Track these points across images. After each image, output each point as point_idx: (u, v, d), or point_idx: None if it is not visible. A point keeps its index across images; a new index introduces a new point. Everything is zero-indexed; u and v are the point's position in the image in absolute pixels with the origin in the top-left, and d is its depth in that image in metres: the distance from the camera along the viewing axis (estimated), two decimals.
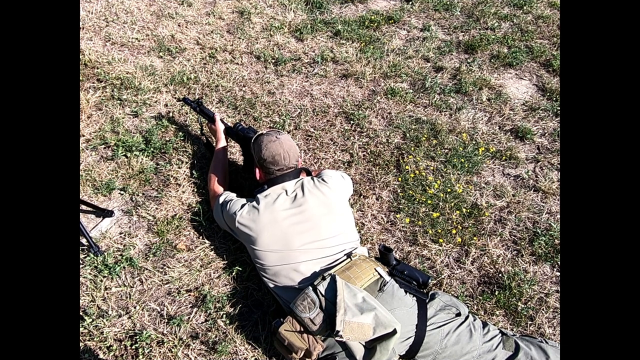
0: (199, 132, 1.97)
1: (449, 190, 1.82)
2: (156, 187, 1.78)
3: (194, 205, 1.72)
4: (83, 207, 1.63)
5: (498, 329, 1.30)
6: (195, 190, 1.78)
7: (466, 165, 1.93)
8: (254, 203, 1.42)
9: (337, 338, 1.07)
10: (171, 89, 2.23)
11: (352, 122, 2.12)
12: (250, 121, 2.10)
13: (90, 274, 1.48)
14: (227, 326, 1.38)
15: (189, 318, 1.40)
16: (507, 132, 2.14)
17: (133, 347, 1.32)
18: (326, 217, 1.38)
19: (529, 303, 1.48)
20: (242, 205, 1.43)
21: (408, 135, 2.06)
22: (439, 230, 1.68)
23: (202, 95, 2.22)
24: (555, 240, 1.66)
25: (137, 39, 2.52)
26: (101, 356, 1.31)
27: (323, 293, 1.13)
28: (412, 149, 1.99)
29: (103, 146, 1.92)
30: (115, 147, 1.88)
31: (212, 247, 1.60)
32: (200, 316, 1.42)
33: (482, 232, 1.69)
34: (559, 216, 1.76)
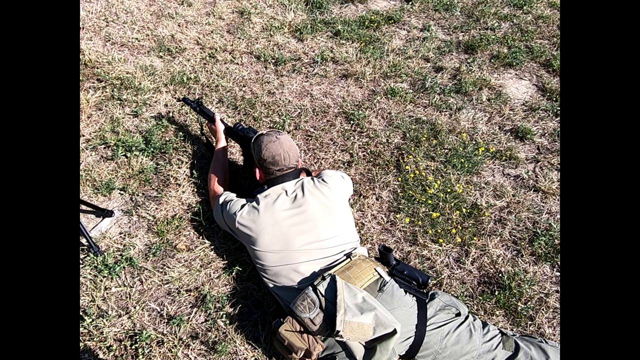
0: (199, 132, 1.97)
1: (449, 190, 1.82)
2: (156, 187, 1.78)
3: (194, 205, 1.72)
4: (83, 207, 1.63)
5: (498, 329, 1.30)
6: (195, 190, 1.78)
7: (466, 165, 1.93)
8: (254, 203, 1.42)
9: (337, 338, 1.07)
10: (171, 89, 2.23)
11: (352, 122, 2.12)
12: (250, 121, 2.10)
13: (90, 274, 1.48)
14: (227, 326, 1.38)
15: (189, 318, 1.40)
16: (507, 132, 2.14)
17: (133, 347, 1.32)
18: (326, 218, 1.38)
19: (529, 303, 1.48)
20: (242, 206, 1.43)
21: (408, 135, 2.06)
22: (439, 230, 1.68)
23: (202, 95, 2.22)
24: (555, 240, 1.66)
25: (137, 39, 2.52)
26: (101, 356, 1.31)
27: (323, 293, 1.13)
28: (412, 149, 1.99)
29: (103, 146, 1.92)
30: (115, 147, 1.88)
31: (212, 247, 1.60)
32: (200, 316, 1.42)
33: (482, 232, 1.69)
34: (559, 216, 1.76)
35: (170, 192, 1.75)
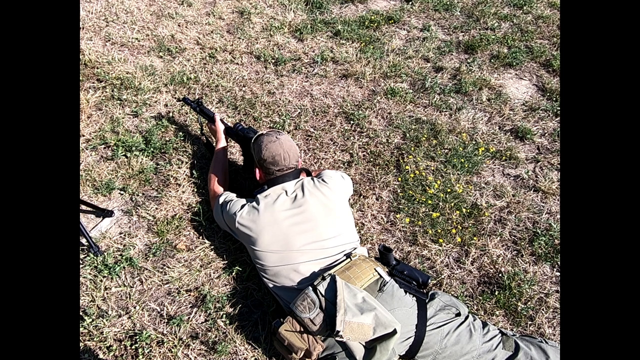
0: (199, 132, 1.97)
1: (449, 190, 1.82)
2: (156, 187, 1.78)
3: (194, 205, 1.72)
4: (83, 207, 1.63)
5: (498, 329, 1.30)
6: (195, 190, 1.78)
7: (466, 165, 1.93)
8: (254, 203, 1.42)
9: (337, 338, 1.07)
10: (171, 89, 2.23)
11: (352, 122, 2.12)
12: (250, 121, 2.10)
13: (90, 274, 1.48)
14: (227, 326, 1.38)
15: (189, 318, 1.40)
16: (507, 132, 2.14)
17: (133, 347, 1.32)
18: (326, 218, 1.38)
19: (529, 303, 1.48)
20: (242, 206, 1.43)
21: (408, 135, 2.06)
22: (439, 230, 1.68)
23: (202, 95, 2.22)
24: (555, 240, 1.66)
25: (137, 39, 2.52)
26: (101, 356, 1.31)
27: (323, 293, 1.13)
28: (412, 149, 1.99)
29: (103, 146, 1.92)
30: (115, 147, 1.88)
31: (212, 247, 1.60)
32: (200, 316, 1.42)
33: (482, 232, 1.69)
34: (559, 216, 1.76)
35: (170, 192, 1.75)
